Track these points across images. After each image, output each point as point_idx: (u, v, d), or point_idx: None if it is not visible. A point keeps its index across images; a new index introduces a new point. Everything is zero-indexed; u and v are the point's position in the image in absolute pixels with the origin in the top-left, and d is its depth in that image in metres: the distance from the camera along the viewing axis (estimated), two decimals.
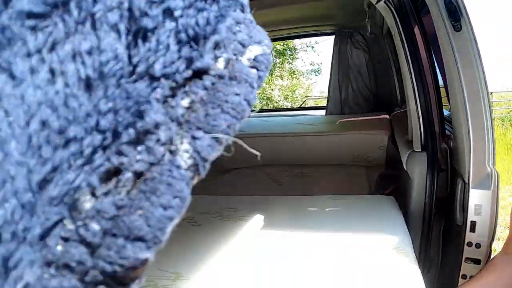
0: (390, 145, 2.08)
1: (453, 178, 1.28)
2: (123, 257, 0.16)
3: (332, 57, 2.97)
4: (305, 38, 11.89)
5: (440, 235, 1.35)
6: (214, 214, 1.51)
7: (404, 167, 1.43)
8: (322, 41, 12.04)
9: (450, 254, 1.28)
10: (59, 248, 0.16)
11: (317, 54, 12.74)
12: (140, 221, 0.16)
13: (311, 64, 12.04)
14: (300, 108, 4.55)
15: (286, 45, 11.33)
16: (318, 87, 11.80)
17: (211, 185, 2.23)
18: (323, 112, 3.33)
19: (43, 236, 0.16)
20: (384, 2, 1.37)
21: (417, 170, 1.32)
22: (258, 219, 1.43)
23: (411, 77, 1.30)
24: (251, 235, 1.33)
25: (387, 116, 2.57)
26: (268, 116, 3.28)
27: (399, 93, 2.65)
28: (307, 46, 12.08)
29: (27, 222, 0.15)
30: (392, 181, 1.91)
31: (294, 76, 11.41)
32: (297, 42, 11.84)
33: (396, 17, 1.30)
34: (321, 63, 11.98)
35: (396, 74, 2.62)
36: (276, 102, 9.72)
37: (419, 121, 1.30)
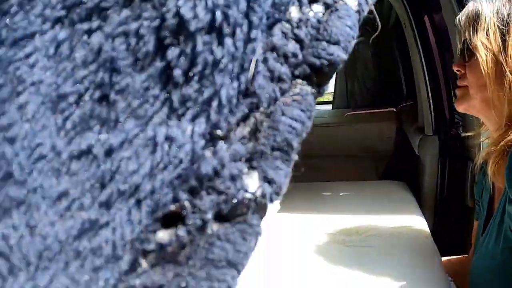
0: (398, 135, 2.12)
1: (463, 162, 1.32)
2: (329, 53, 0.23)
3: None
4: None
5: (454, 217, 1.39)
6: None
7: (416, 151, 1.47)
8: None
9: (462, 235, 1.32)
10: (279, 39, 0.22)
11: None
12: (337, 30, 0.23)
13: None
14: None
15: None
16: None
17: None
18: (328, 107, 3.37)
19: (270, 27, 0.22)
20: None
21: (429, 153, 1.36)
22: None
23: (422, 64, 1.34)
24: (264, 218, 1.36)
25: (394, 109, 2.61)
26: None
27: (405, 86, 2.68)
28: None
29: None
30: (401, 169, 1.95)
31: None
32: None
33: (407, 6, 1.35)
34: None
35: (403, 67, 2.65)
36: None
37: (429, 106, 1.35)
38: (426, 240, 1.09)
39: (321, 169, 2.19)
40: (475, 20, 0.74)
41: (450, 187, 1.35)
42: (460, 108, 0.86)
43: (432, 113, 1.35)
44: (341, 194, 1.51)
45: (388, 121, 2.23)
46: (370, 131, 2.19)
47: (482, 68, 0.72)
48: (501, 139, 0.72)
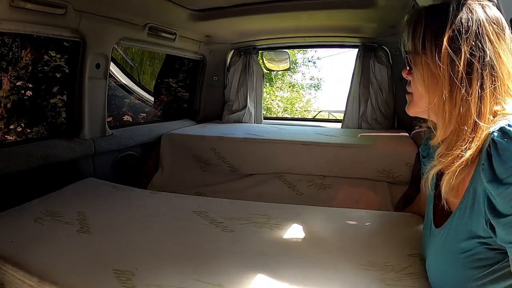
0: (417, 162, 2.01)
1: None
2: None
3: (354, 70, 2.91)
4: (308, 53, 11.95)
5: None
6: (243, 219, 1.43)
7: None
8: (324, 57, 12.07)
9: None
10: None
11: (318, 69, 12.76)
12: None
13: (311, 78, 12.05)
14: (309, 119, 4.48)
15: None
16: (317, 103, 11.74)
17: (228, 189, 2.13)
18: (335, 125, 3.29)
19: None
20: None
21: None
22: (294, 228, 1.36)
23: None
24: (289, 244, 1.27)
25: (407, 134, 2.52)
26: (278, 124, 3.21)
27: None
28: (309, 61, 12.11)
29: None
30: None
31: (294, 89, 11.38)
32: (299, 56, 11.87)
33: None
34: (321, 79, 12.00)
35: None
36: (275, 114, 9.65)
37: None
38: None
39: (333, 190, 2.08)
40: None
41: None
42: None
43: None
44: (366, 224, 1.41)
45: (407, 146, 2.12)
46: (388, 155, 2.07)
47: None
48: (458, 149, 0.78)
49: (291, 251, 1.22)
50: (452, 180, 0.79)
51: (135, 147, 2.40)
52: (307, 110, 10.69)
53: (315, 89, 12.10)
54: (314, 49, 9.90)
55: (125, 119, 4.88)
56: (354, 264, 1.12)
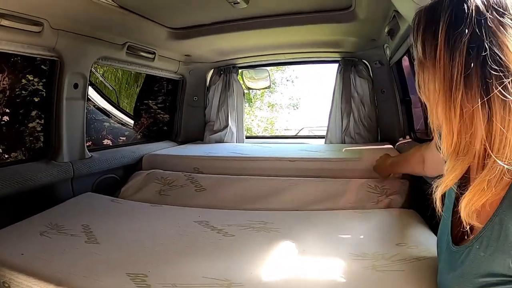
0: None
1: None
2: None
3: (335, 85, 2.93)
4: (286, 72, 12.09)
5: None
6: (242, 226, 1.50)
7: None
8: (303, 76, 12.23)
9: None
10: None
11: (296, 88, 12.90)
12: None
13: (290, 98, 12.18)
14: (292, 137, 4.47)
15: None
16: (296, 122, 11.77)
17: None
18: (318, 141, 3.27)
19: None
20: None
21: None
22: (290, 230, 1.45)
23: None
24: (287, 242, 1.34)
25: (392, 146, 2.52)
26: (261, 143, 3.18)
27: (403, 123, 2.62)
28: (287, 81, 12.25)
29: None
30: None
31: (274, 109, 11.47)
32: (277, 76, 12.00)
33: None
34: (299, 98, 12.14)
35: (401, 103, 2.60)
36: (256, 134, 9.64)
37: None
38: None
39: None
40: None
41: None
42: None
43: None
44: (357, 224, 1.50)
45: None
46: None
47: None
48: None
49: (290, 248, 1.29)
50: (473, 203, 0.66)
51: (115, 169, 2.32)
52: (287, 129, 10.73)
53: (293, 108, 12.21)
54: (294, 65, 9.99)
55: (105, 143, 4.77)
56: (349, 254, 1.20)
